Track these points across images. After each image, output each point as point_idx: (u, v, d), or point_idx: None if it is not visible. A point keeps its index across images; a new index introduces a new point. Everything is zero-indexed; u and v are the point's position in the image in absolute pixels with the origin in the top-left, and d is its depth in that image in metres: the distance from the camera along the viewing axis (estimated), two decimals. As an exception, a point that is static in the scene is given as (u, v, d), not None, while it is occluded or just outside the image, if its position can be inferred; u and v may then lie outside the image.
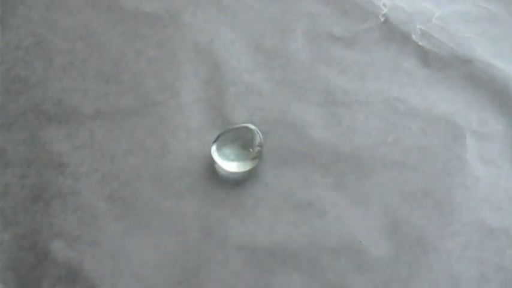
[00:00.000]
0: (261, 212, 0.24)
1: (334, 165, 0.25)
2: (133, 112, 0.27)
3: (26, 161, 0.25)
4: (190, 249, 0.23)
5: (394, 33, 0.29)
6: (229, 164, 0.25)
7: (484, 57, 0.28)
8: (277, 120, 0.26)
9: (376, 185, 0.25)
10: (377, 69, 0.28)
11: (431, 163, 0.25)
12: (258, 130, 0.25)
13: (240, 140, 0.25)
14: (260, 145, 0.25)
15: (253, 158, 0.25)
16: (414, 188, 0.24)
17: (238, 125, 0.26)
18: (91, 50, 0.30)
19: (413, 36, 0.29)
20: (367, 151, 0.26)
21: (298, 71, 0.28)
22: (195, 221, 0.24)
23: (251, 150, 0.25)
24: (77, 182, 0.25)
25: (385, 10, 0.29)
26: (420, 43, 0.29)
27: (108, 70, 0.29)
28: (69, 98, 0.28)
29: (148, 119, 0.27)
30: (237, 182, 0.25)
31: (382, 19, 0.30)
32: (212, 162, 0.25)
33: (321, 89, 0.28)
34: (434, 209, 0.24)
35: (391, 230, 0.23)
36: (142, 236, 0.24)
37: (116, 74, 0.29)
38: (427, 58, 0.28)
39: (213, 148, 0.25)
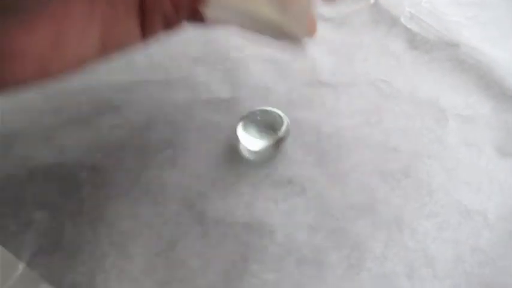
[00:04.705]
0: (241, 187, 0.24)
1: (316, 144, 0.25)
2: (121, 88, 0.27)
3: (13, 131, 0.25)
4: (169, 221, 0.23)
5: (383, 16, 0.29)
6: (253, 143, 0.25)
7: (470, 41, 0.28)
8: (262, 98, 0.26)
9: (357, 165, 0.25)
10: (365, 51, 0.28)
11: (412, 145, 0.25)
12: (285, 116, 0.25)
13: (266, 121, 0.25)
14: (287, 129, 0.25)
15: (278, 140, 0.25)
16: (394, 169, 0.24)
17: (264, 108, 0.26)
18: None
19: (402, 19, 0.29)
20: (350, 131, 0.26)
21: (285, 50, 0.28)
22: (175, 193, 0.24)
23: (278, 132, 0.25)
24: (62, 153, 0.25)
25: (375, -8, 0.29)
26: (408, 26, 0.29)
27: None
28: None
29: (135, 94, 0.27)
30: (219, 157, 0.25)
31: (372, 1, 0.30)
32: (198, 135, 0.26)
33: (307, 69, 0.28)
34: (413, 189, 0.24)
35: (368, 209, 0.23)
36: (122, 205, 0.24)
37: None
38: (414, 41, 0.28)
39: (239, 127, 0.25)
